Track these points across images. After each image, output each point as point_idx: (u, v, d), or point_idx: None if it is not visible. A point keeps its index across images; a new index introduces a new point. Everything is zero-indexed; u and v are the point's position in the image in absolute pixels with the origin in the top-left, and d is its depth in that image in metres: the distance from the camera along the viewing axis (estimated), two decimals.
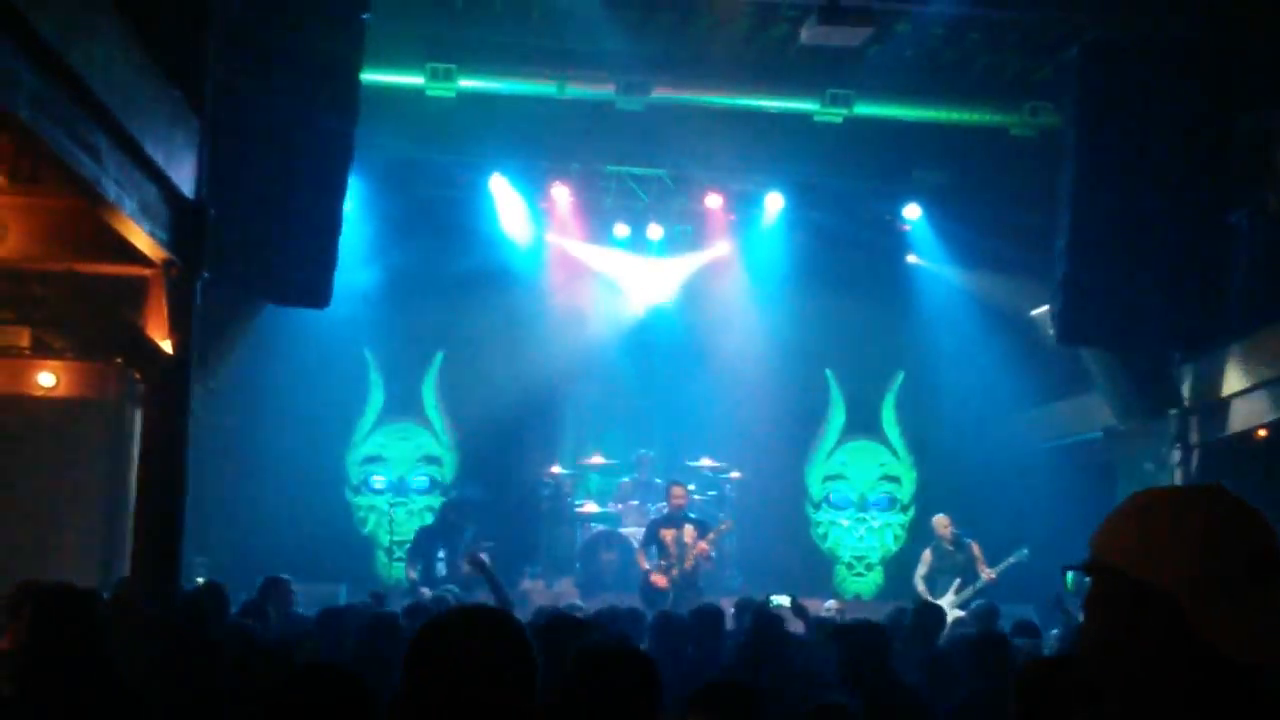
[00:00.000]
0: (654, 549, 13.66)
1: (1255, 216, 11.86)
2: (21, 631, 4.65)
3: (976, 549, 13.59)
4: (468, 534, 14.36)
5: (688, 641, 8.00)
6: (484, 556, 9.95)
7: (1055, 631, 9.74)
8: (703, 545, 13.36)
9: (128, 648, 7.03)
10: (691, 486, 15.43)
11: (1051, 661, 3.84)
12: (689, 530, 13.52)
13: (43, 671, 4.48)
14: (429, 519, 15.69)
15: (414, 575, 13.92)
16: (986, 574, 13.27)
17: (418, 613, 8.75)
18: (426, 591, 13.23)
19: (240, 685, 5.60)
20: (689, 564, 13.20)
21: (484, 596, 9.35)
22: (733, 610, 9.86)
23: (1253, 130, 11.63)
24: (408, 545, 14.82)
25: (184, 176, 8.14)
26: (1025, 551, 13.19)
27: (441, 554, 14.14)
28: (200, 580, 11.77)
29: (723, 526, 13.88)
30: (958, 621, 10.99)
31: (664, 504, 14.54)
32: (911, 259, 17.27)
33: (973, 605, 11.61)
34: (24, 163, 7.37)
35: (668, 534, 13.58)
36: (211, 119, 8.59)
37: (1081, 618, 2.17)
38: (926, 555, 13.95)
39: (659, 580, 13.20)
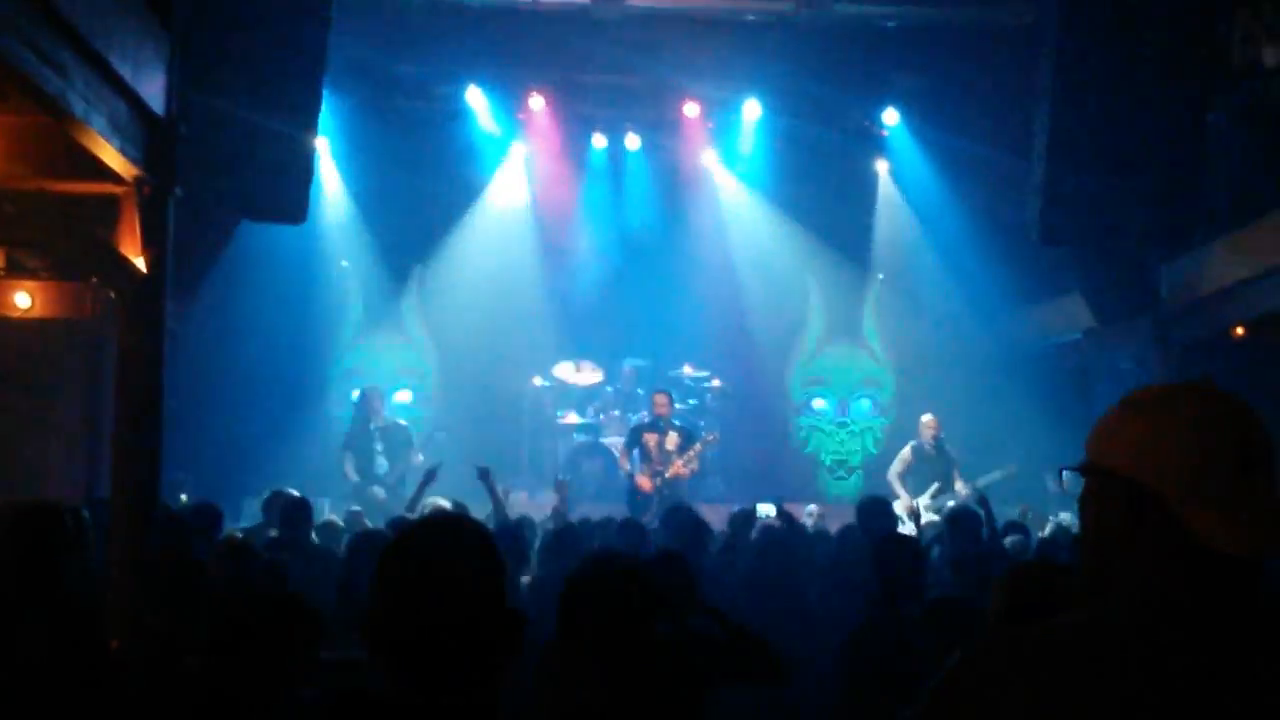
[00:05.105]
0: (636, 453, 13.73)
1: (1234, 117, 11.81)
2: None
3: (956, 461, 13.67)
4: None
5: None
6: (486, 467, 10.04)
7: (1044, 533, 9.77)
8: (681, 465, 13.41)
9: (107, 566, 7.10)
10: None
11: (1039, 566, 3.88)
12: (672, 437, 13.59)
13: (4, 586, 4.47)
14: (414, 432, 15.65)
15: (354, 476, 14.02)
16: (961, 489, 13.28)
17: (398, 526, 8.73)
18: (379, 491, 13.41)
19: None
20: (670, 474, 13.28)
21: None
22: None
23: (1232, 31, 11.52)
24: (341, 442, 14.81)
25: (154, 92, 8.00)
26: (1014, 466, 13.13)
27: (379, 447, 14.20)
28: (184, 498, 11.77)
29: (708, 438, 13.89)
30: (930, 525, 11.05)
31: (645, 412, 14.61)
32: (881, 167, 17.16)
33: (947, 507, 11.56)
34: None
35: (650, 438, 13.64)
36: (180, 32, 8.44)
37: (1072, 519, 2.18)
38: (905, 453, 14.01)
39: (644, 483, 13.29)
